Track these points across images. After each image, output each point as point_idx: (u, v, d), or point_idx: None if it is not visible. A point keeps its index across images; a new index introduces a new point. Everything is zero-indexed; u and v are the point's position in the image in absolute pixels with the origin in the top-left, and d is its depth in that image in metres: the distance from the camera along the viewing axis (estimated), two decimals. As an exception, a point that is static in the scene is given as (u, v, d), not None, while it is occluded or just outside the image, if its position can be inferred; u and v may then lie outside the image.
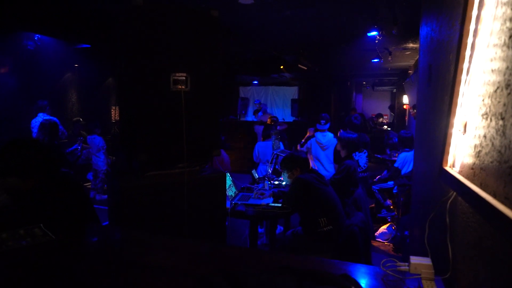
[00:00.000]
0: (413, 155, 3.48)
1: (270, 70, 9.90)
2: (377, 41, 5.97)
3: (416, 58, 7.18)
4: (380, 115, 12.21)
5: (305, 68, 8.42)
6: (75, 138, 6.25)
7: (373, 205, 5.45)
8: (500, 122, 0.83)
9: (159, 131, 2.16)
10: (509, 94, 0.80)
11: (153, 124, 2.14)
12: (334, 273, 1.18)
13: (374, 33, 5.44)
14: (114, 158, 6.63)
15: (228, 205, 3.20)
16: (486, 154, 0.93)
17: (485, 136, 0.95)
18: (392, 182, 5.23)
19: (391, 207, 5.37)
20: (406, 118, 9.25)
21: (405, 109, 9.69)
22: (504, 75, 0.83)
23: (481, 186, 0.94)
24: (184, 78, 2.11)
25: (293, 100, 12.72)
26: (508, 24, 0.82)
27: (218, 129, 2.34)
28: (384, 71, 11.49)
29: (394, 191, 5.11)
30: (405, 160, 4.83)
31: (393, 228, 4.89)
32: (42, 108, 5.81)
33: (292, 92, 13.28)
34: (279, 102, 13.58)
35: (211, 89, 2.26)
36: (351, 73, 12.30)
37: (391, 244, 4.57)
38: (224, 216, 2.63)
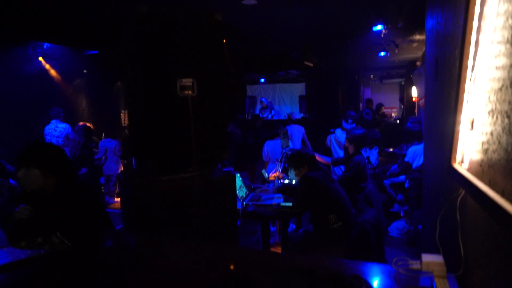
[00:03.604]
0: (423, 148, 3.45)
1: (276, 68, 9.87)
2: (383, 35, 5.90)
3: (423, 50, 7.09)
4: (380, 106, 10.32)
5: (311, 65, 8.37)
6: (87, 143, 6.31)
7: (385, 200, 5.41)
8: (506, 121, 0.83)
9: (168, 136, 2.19)
10: (514, 92, 0.79)
11: (163, 129, 2.17)
12: (345, 273, 1.19)
13: (379, 27, 5.37)
14: (125, 161, 6.72)
15: (239, 206, 3.22)
16: (494, 151, 0.92)
17: (491, 134, 0.94)
18: (403, 176, 5.19)
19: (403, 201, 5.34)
20: (416, 111, 9.13)
21: (414, 102, 9.52)
22: (509, 72, 0.83)
23: (489, 183, 0.94)
24: (190, 83, 2.14)
25: (300, 97, 12.68)
26: (510, 21, 0.82)
27: (226, 131, 2.36)
28: (391, 63, 11.28)
29: (406, 185, 5.07)
30: (415, 153, 4.79)
31: (406, 222, 4.86)
32: (57, 115, 5.89)
33: (299, 88, 13.23)
34: (286, 99, 13.56)
35: (217, 92, 2.28)
36: (358, 67, 12.14)
37: (405, 239, 4.55)
38: (235, 217, 2.66)
